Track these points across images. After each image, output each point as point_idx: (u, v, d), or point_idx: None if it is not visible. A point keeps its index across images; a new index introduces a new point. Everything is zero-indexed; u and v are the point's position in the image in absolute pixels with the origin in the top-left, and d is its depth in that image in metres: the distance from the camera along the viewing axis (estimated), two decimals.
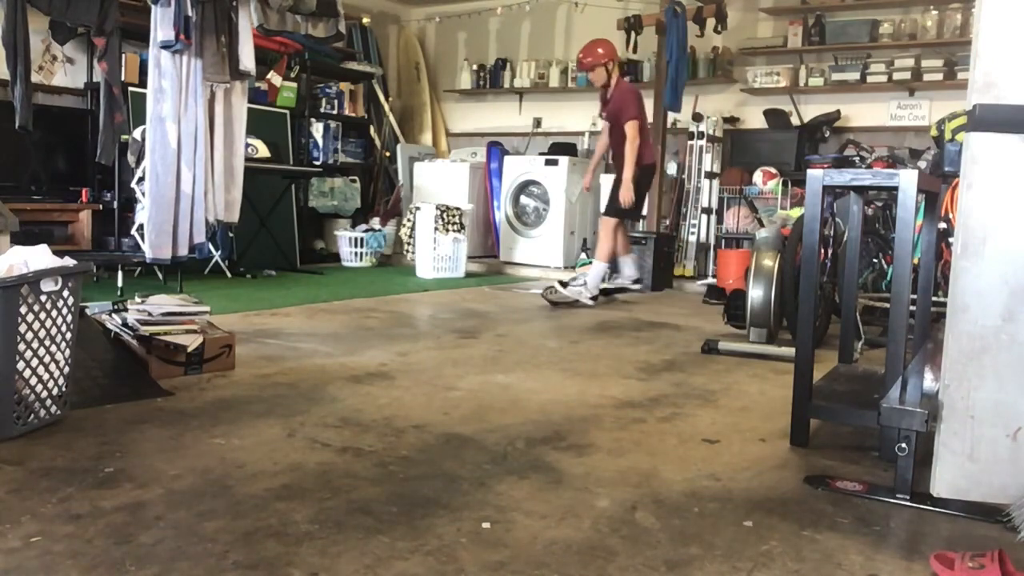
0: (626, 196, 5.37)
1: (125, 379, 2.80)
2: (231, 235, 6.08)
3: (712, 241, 7.10)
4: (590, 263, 6.81)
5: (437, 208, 6.83)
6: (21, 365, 2.22)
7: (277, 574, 1.51)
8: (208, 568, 1.52)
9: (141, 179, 5.04)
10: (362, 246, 7.42)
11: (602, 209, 5.74)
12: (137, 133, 5.28)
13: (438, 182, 7.87)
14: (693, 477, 2.13)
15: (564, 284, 5.42)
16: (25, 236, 3.30)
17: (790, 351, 3.14)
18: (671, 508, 1.91)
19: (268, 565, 1.54)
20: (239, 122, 4.85)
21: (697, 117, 7.08)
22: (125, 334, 2.96)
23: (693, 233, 7.16)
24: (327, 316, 4.59)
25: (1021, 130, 1.94)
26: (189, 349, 2.97)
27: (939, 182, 3.12)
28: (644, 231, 6.99)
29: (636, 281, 5.80)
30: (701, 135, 7.07)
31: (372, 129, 8.63)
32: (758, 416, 2.77)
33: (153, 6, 4.26)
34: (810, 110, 6.97)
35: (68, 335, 2.38)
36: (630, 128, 5.34)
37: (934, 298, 3.21)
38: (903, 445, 1.99)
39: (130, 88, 5.98)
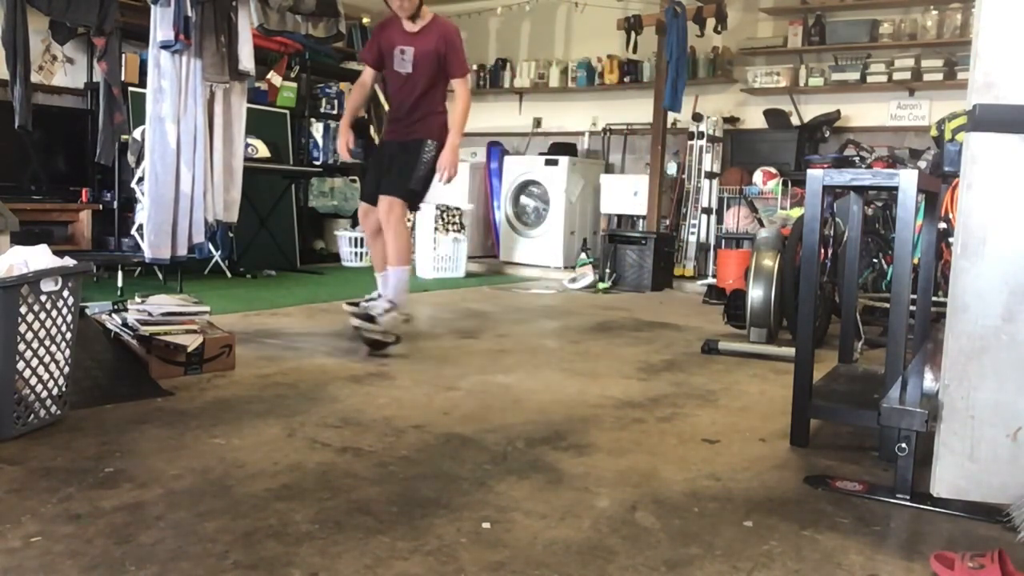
0: (450, 159, 4.24)
1: (125, 379, 2.80)
2: (231, 235, 6.08)
3: (712, 241, 7.09)
4: (590, 262, 6.83)
5: (437, 208, 6.84)
6: (21, 365, 2.22)
7: (277, 574, 1.51)
8: (208, 568, 1.52)
9: (141, 179, 5.03)
10: (362, 246, 7.41)
11: (395, 188, 4.22)
12: (137, 133, 5.27)
13: (438, 182, 7.84)
14: (693, 477, 2.13)
15: (371, 319, 3.62)
16: (25, 236, 3.30)
17: (790, 351, 3.14)
18: (671, 508, 1.91)
19: (268, 565, 1.54)
20: (239, 122, 4.84)
21: (697, 117, 7.08)
22: (125, 334, 2.96)
23: (693, 233, 7.15)
24: (327, 316, 4.58)
25: (1021, 130, 1.94)
26: (189, 349, 2.97)
27: (939, 182, 3.12)
28: (644, 231, 6.99)
29: (388, 310, 3.63)
30: (701, 135, 7.07)
31: (372, 129, 8.61)
32: (758, 416, 2.77)
33: (153, 6, 4.25)
34: (810, 110, 6.97)
35: (68, 335, 2.38)
36: (462, 87, 4.05)
37: (934, 298, 3.21)
38: (903, 445, 1.99)
39: (130, 88, 5.98)
